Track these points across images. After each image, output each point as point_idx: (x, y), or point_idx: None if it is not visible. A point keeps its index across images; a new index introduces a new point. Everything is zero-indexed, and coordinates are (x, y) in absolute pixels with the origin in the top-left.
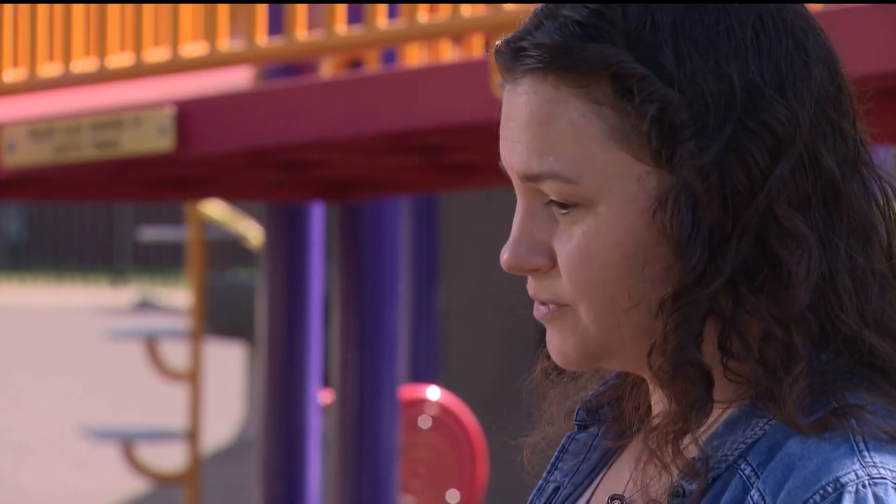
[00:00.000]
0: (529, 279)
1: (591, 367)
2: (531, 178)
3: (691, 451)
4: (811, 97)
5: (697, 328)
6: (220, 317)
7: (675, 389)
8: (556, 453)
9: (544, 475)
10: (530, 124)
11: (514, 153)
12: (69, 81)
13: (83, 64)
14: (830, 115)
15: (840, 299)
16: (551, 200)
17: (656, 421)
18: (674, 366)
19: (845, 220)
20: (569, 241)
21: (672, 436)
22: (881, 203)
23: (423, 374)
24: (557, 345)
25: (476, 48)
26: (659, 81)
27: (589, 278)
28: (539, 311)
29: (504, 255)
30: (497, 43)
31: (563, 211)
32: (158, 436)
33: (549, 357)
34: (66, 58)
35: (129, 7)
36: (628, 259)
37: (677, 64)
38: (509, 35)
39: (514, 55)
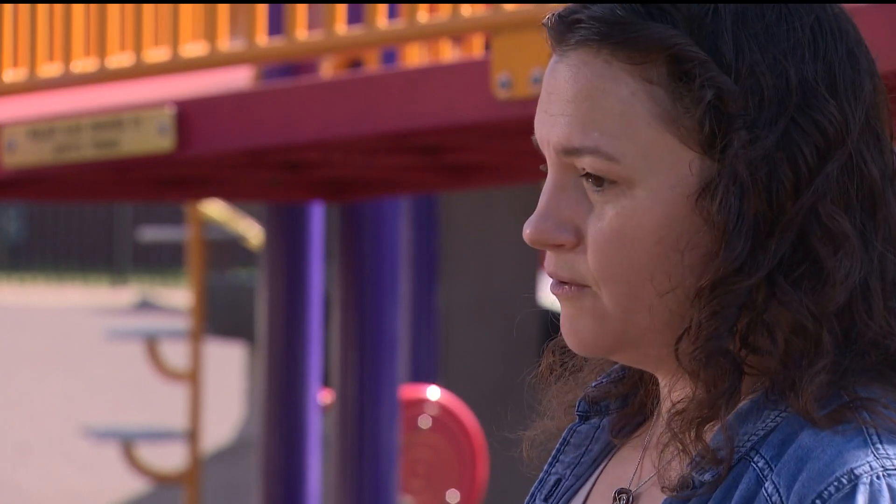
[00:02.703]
0: (549, 255)
1: (604, 355)
2: (570, 153)
3: (716, 442)
4: (860, 105)
5: (734, 318)
6: (220, 317)
7: (706, 377)
8: (557, 445)
9: (546, 467)
10: (576, 97)
11: (553, 126)
12: (69, 81)
13: (83, 64)
14: (874, 125)
15: (869, 304)
16: (587, 174)
17: (681, 405)
18: (707, 354)
19: (882, 228)
20: (600, 221)
21: (698, 421)
22: None
23: (423, 374)
24: (574, 328)
25: (476, 48)
26: (717, 68)
27: (619, 260)
28: (556, 288)
29: (527, 229)
30: (549, 15)
31: (597, 188)
32: (158, 436)
33: (553, 352)
34: (66, 58)
35: (129, 7)
36: (662, 244)
37: (736, 53)
38: (562, 8)
39: (568, 27)
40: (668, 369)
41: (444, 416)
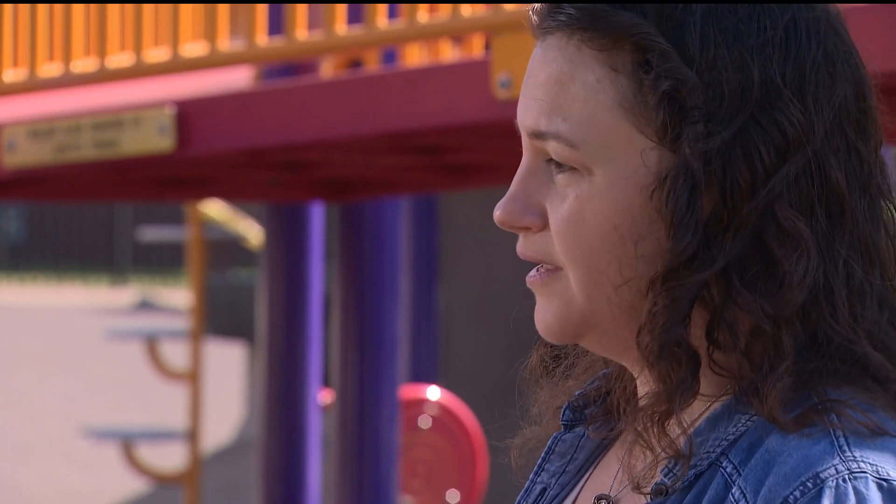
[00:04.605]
0: (520, 237)
1: (571, 341)
2: (536, 136)
3: (677, 435)
4: (830, 109)
5: (685, 310)
6: (220, 317)
7: (660, 369)
8: (542, 454)
9: (531, 476)
10: (547, 82)
11: (528, 110)
12: (69, 81)
13: (83, 64)
14: (848, 132)
15: (834, 309)
16: (551, 159)
17: (642, 402)
18: (660, 345)
19: (847, 235)
20: (561, 204)
21: (657, 416)
22: (891, 229)
23: (423, 374)
24: (541, 313)
25: (476, 48)
26: (679, 59)
27: (577, 244)
28: (531, 278)
29: (497, 211)
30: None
31: (560, 171)
32: (158, 436)
33: (545, 345)
34: (66, 58)
35: (129, 7)
36: (618, 231)
37: (701, 46)
38: None
39: (549, 11)
40: (633, 358)
41: (444, 416)
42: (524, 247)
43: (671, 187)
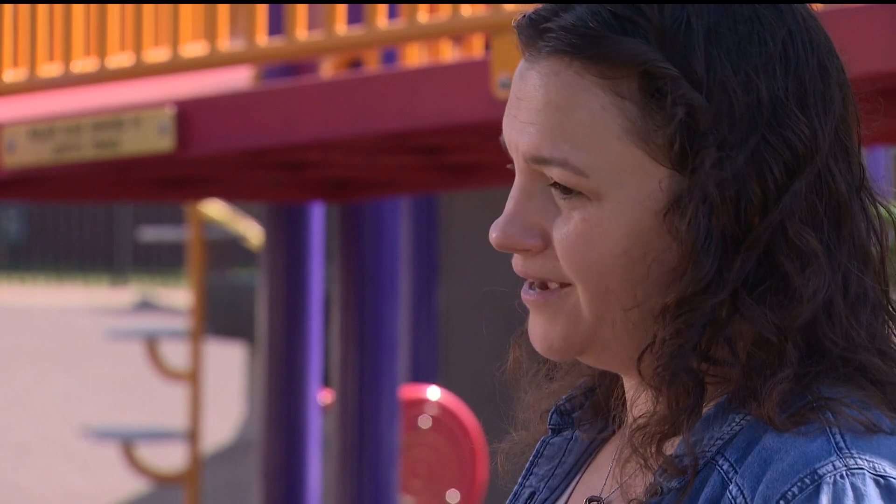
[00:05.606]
0: (516, 257)
1: (571, 358)
2: (539, 162)
3: (670, 450)
4: (830, 119)
5: (697, 336)
6: (220, 317)
7: (668, 394)
8: (531, 458)
9: (520, 480)
10: (546, 107)
11: (523, 134)
12: (69, 81)
13: (83, 64)
14: (843, 138)
15: (830, 319)
16: (554, 183)
17: (642, 420)
18: (672, 372)
19: (847, 243)
20: (565, 225)
21: (659, 436)
22: (877, 227)
23: (423, 374)
24: (542, 331)
25: (476, 48)
26: (688, 85)
27: (585, 266)
28: (528, 296)
29: (493, 233)
30: (520, 17)
31: (565, 196)
32: (158, 436)
33: (520, 346)
34: (66, 58)
35: (129, 7)
36: (628, 255)
37: (708, 69)
38: (533, 11)
39: (540, 34)
40: (633, 374)
41: (444, 416)
42: (525, 267)
43: (692, 215)
